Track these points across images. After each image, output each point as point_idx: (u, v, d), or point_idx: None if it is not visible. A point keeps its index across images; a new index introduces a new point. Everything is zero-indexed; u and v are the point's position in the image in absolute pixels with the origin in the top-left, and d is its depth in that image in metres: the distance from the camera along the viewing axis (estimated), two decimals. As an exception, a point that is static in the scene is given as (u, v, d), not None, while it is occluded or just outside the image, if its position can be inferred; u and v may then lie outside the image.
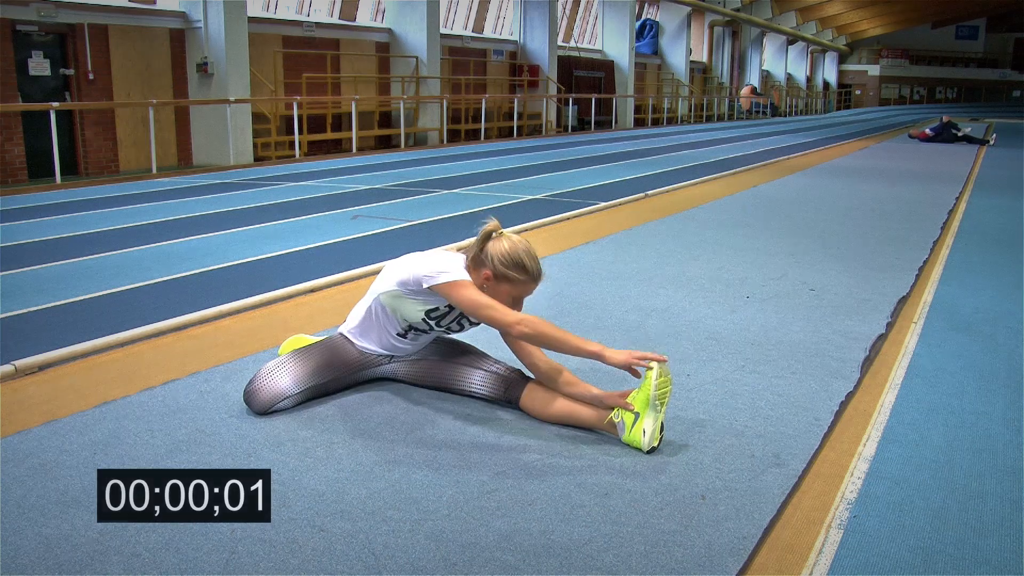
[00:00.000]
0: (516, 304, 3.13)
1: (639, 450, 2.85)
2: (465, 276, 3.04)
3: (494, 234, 3.11)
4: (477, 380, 3.25)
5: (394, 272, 3.17)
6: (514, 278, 3.06)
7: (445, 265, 3.07)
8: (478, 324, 3.27)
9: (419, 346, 3.37)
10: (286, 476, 2.64)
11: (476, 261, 3.11)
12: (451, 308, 3.17)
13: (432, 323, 3.21)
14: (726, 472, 2.71)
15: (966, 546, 2.32)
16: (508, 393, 3.18)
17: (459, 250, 3.33)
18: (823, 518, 2.46)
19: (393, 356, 3.37)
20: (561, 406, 3.06)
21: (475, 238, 3.13)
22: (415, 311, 3.17)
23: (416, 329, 3.26)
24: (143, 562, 2.17)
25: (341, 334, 3.38)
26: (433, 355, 3.37)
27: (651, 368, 2.88)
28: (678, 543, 2.30)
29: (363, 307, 3.32)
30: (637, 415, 2.86)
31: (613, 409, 2.93)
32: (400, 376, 3.42)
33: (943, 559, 2.26)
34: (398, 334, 3.28)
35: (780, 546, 2.32)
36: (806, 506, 2.53)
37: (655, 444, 2.84)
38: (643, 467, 2.75)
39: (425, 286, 3.05)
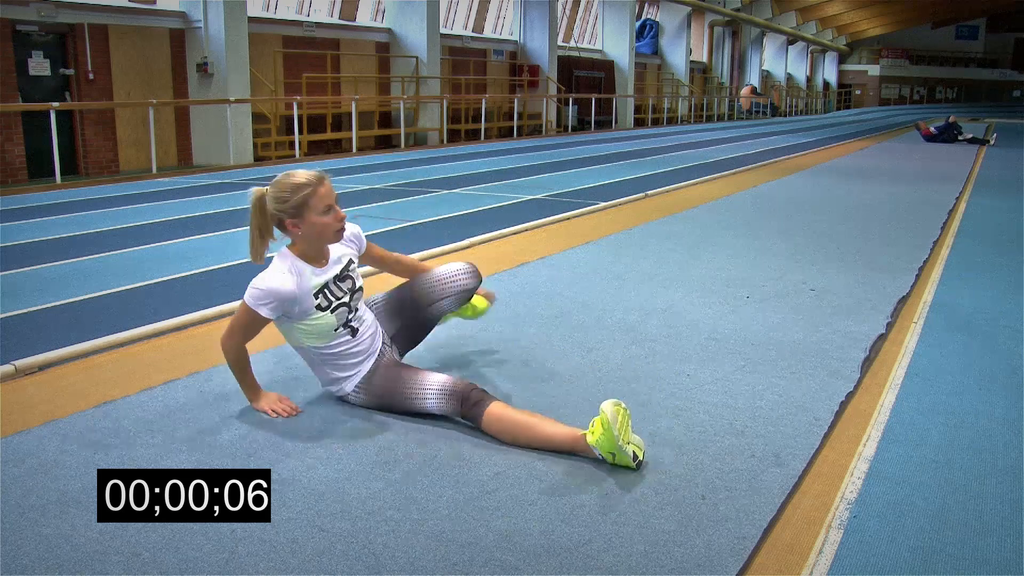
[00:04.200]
0: (335, 211, 3.10)
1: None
2: (256, 288, 2.99)
3: (264, 195, 3.05)
4: (431, 397, 3.02)
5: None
6: (306, 198, 3.02)
7: (257, 283, 3.02)
8: (356, 305, 3.14)
9: (372, 335, 3.17)
10: (286, 476, 2.64)
11: (281, 228, 3.05)
12: (329, 300, 3.05)
13: (343, 316, 3.08)
14: (726, 472, 2.71)
15: (966, 546, 2.32)
16: (466, 412, 2.95)
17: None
18: (823, 518, 2.45)
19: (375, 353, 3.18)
20: (530, 435, 2.83)
21: (255, 217, 3.07)
22: (315, 324, 3.05)
23: (347, 326, 3.09)
24: (143, 562, 2.17)
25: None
26: (383, 379, 3.13)
27: (603, 411, 2.65)
28: (678, 543, 2.30)
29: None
30: (613, 455, 2.67)
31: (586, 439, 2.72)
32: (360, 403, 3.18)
33: (943, 559, 2.26)
34: (338, 341, 3.10)
35: (780, 546, 2.32)
36: (806, 506, 2.53)
37: (640, 458, 2.70)
38: (643, 467, 2.75)
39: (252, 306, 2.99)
